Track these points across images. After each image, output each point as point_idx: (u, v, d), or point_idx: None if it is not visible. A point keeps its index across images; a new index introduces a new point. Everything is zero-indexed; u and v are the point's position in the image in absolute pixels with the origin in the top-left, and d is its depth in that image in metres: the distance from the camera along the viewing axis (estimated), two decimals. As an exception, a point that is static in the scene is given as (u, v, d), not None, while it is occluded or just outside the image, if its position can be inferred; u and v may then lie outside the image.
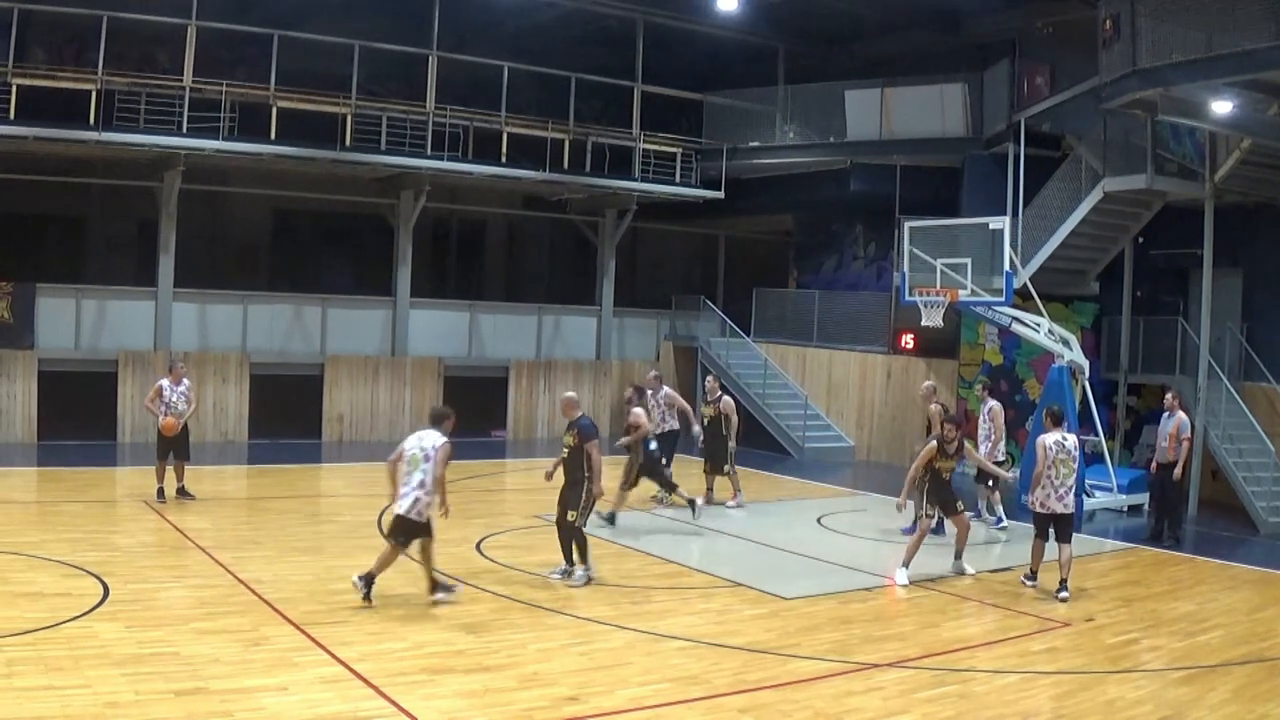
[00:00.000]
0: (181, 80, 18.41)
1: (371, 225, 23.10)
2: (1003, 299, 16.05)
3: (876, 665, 8.52)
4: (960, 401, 19.23)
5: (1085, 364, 16.16)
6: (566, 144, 22.06)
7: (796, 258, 26.00)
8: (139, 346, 19.63)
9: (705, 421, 15.66)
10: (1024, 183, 18.16)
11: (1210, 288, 16.44)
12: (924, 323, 16.79)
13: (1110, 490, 16.37)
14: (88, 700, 6.78)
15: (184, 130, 18.36)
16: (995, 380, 17.57)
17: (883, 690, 7.94)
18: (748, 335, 24.25)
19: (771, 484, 18.04)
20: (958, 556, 11.65)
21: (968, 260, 16.14)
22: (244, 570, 10.33)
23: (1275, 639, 9.74)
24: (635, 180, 22.89)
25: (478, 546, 11.90)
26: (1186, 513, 15.54)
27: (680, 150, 23.43)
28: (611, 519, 13.36)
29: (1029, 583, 11.14)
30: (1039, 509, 10.94)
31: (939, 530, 12.63)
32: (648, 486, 14.65)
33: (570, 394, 11.49)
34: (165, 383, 13.86)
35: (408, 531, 9.42)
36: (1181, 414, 14.41)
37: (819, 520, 14.82)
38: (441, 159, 20.64)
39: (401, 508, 9.38)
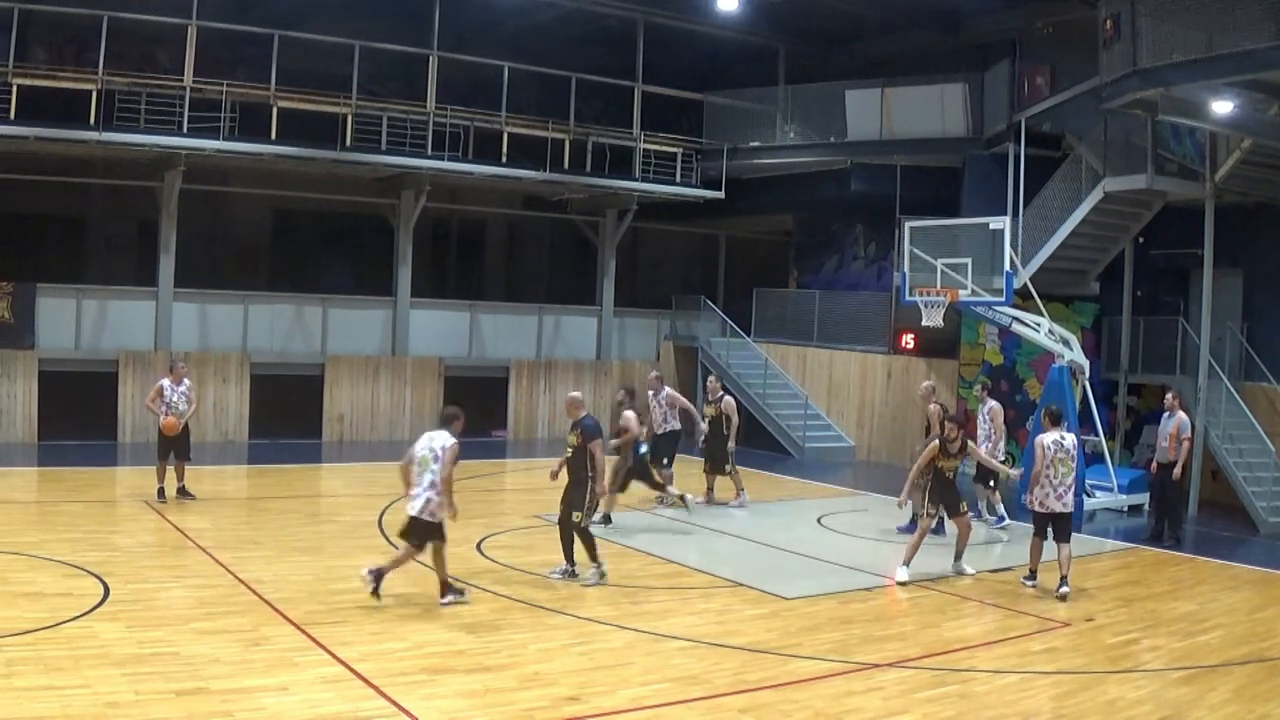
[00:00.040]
0: (182, 80, 18.42)
1: (372, 225, 23.11)
2: (1003, 299, 16.05)
3: (877, 665, 8.52)
4: (960, 402, 19.22)
5: (1085, 364, 16.16)
6: (567, 144, 22.07)
7: (797, 258, 26.01)
8: (139, 346, 19.64)
9: (706, 421, 15.68)
10: (1024, 183, 18.16)
11: (1210, 288, 16.44)
12: (924, 323, 16.80)
13: (1110, 490, 16.37)
14: (88, 700, 6.78)
15: (184, 130, 18.36)
16: (995, 380, 17.57)
17: (883, 690, 7.95)
18: (748, 335, 24.25)
19: (772, 484, 18.04)
20: (958, 558, 11.65)
21: (968, 260, 16.14)
22: (244, 570, 10.33)
23: (1275, 639, 9.75)
24: (635, 180, 22.89)
25: (478, 546, 11.90)
26: (1187, 513, 15.55)
27: (680, 150, 23.43)
28: (606, 519, 13.36)
29: (1029, 583, 11.15)
30: (1038, 508, 10.97)
31: (939, 530, 12.63)
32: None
33: (575, 394, 11.49)
34: (166, 382, 13.86)
35: (420, 533, 9.43)
36: (1182, 414, 14.41)
37: (819, 520, 14.82)
38: (442, 159, 20.64)
39: (413, 509, 9.41)
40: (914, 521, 13.51)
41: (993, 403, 14.78)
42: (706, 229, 27.79)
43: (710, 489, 15.57)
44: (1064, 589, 10.67)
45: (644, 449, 14.02)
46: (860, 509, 15.91)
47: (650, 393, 15.48)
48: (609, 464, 12.70)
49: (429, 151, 20.46)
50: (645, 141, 22.95)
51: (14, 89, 17.22)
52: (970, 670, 8.46)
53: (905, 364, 21.31)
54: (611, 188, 22.93)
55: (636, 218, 24.30)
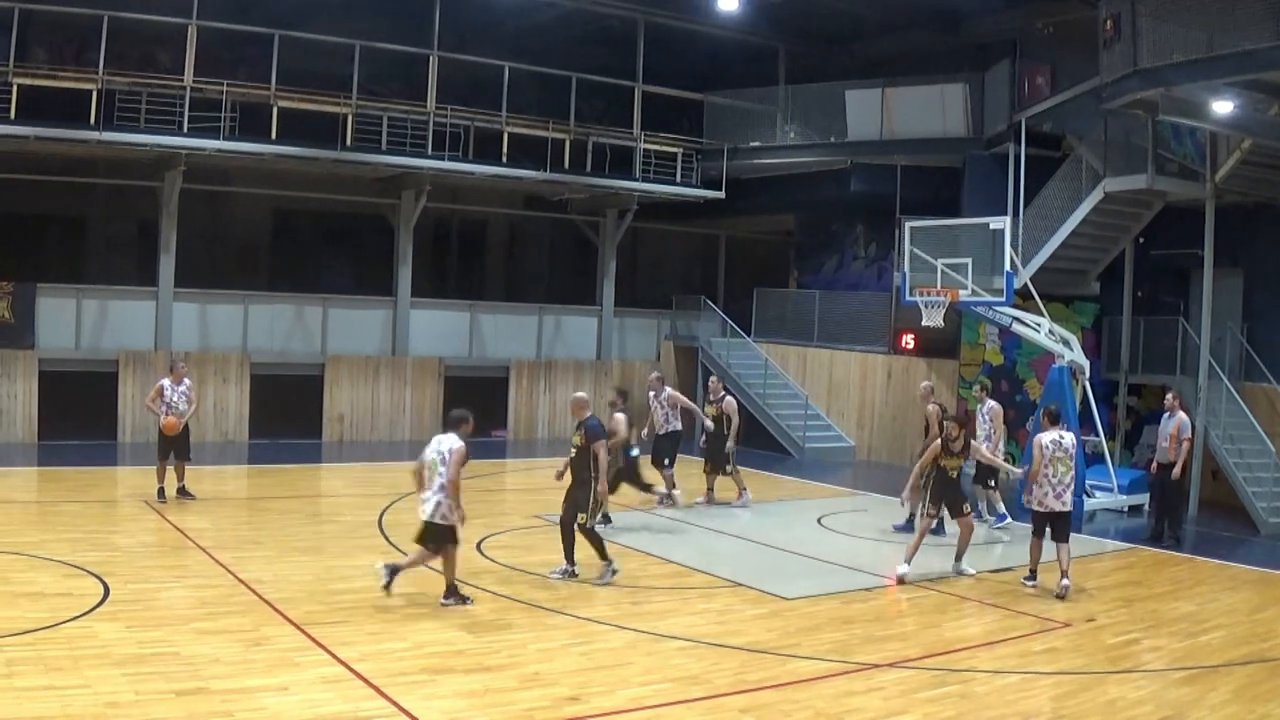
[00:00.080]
0: (182, 80, 18.42)
1: (372, 225, 23.11)
2: (1003, 299, 16.05)
3: (877, 665, 8.52)
4: (960, 402, 19.22)
5: (1086, 364, 16.16)
6: (567, 144, 22.07)
7: (797, 258, 26.01)
8: (140, 346, 19.64)
9: (704, 426, 15.69)
10: (1024, 183, 18.16)
11: (1211, 288, 16.43)
12: (924, 323, 16.80)
13: (1111, 490, 16.37)
14: (88, 700, 6.78)
15: (185, 130, 18.36)
16: (996, 380, 17.58)
17: (883, 690, 7.94)
18: (748, 335, 24.25)
19: (772, 484, 18.04)
20: (958, 558, 11.65)
21: (968, 260, 16.14)
22: (244, 570, 10.33)
23: (1276, 639, 9.74)
24: (636, 180, 22.89)
25: (478, 546, 11.89)
26: (1187, 513, 15.54)
27: (681, 150, 23.43)
28: (606, 518, 13.35)
29: (1029, 583, 11.15)
30: (1037, 507, 10.99)
31: (938, 530, 12.63)
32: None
33: (580, 394, 11.53)
34: (166, 382, 13.87)
35: (436, 537, 9.45)
36: (1182, 414, 14.41)
37: (819, 520, 14.82)
38: (442, 159, 20.64)
39: (425, 513, 9.43)
40: (910, 520, 13.53)
41: (992, 403, 14.79)
42: (707, 229, 27.79)
43: (710, 489, 15.56)
44: (1065, 582, 10.71)
45: (635, 451, 14.05)
46: (860, 509, 15.91)
47: (651, 394, 15.48)
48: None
49: (429, 151, 20.46)
50: (645, 141, 22.95)
51: (14, 89, 17.21)
52: (970, 670, 8.46)
53: (905, 364, 21.32)
54: (612, 188, 22.93)
55: (637, 218, 24.30)
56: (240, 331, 20.76)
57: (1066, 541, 10.90)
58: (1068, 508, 10.99)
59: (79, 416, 18.80)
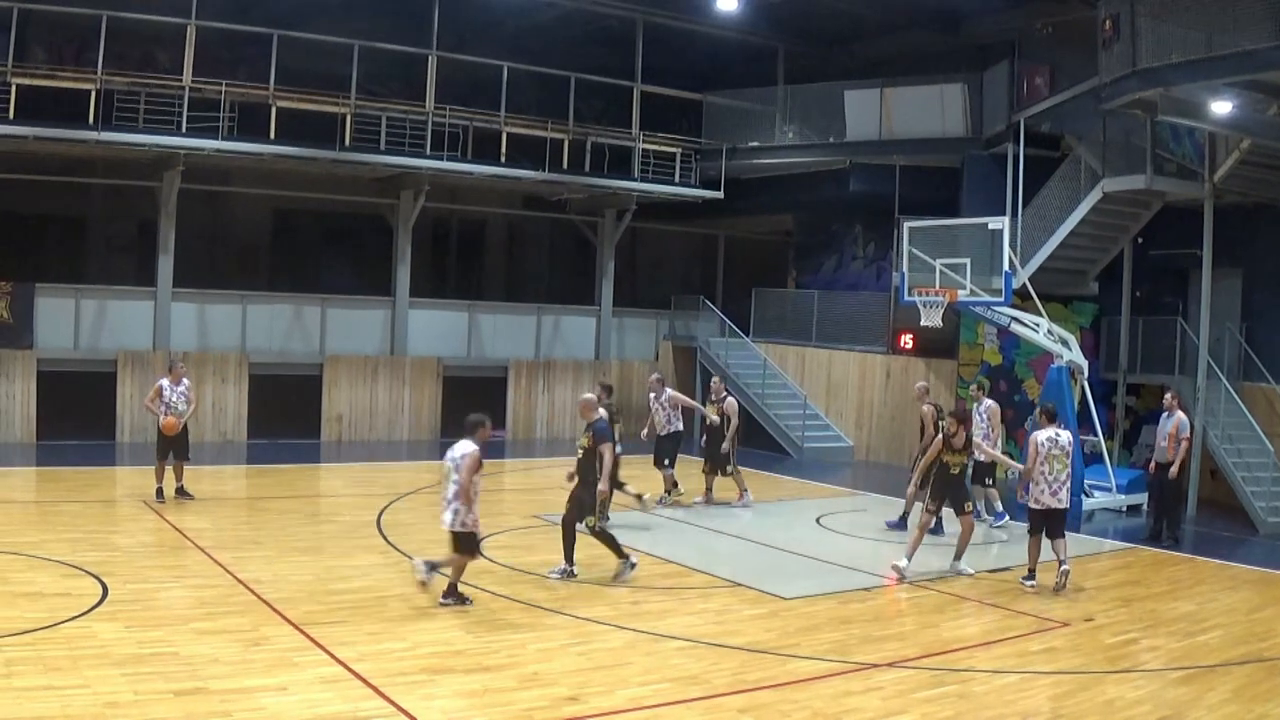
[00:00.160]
0: (181, 80, 18.41)
1: (371, 225, 23.10)
2: (1002, 299, 16.07)
3: (875, 665, 8.52)
4: (959, 402, 19.23)
5: (1084, 364, 16.18)
6: (566, 144, 22.07)
7: (796, 258, 26.01)
8: (138, 346, 19.64)
9: (707, 421, 15.69)
10: (1023, 183, 18.17)
11: (1210, 288, 16.44)
12: (923, 323, 16.82)
13: (1109, 490, 16.38)
14: (87, 700, 6.78)
15: (184, 130, 18.36)
16: (994, 380, 17.58)
17: (882, 690, 7.95)
18: (747, 335, 24.25)
19: (771, 484, 18.04)
20: (957, 558, 11.66)
21: (967, 260, 16.16)
22: (243, 570, 10.33)
23: (1274, 639, 9.75)
24: (635, 180, 22.89)
25: (477, 546, 11.89)
26: (1185, 513, 15.55)
27: (680, 150, 23.43)
28: (605, 518, 13.34)
29: (1028, 583, 11.15)
30: (1034, 504, 11.04)
31: (937, 530, 12.63)
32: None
33: (589, 395, 11.54)
34: (165, 382, 13.87)
35: (461, 545, 9.47)
36: (1180, 414, 14.41)
37: (818, 520, 14.82)
38: (441, 159, 20.64)
39: (445, 523, 9.47)
40: (903, 518, 13.52)
41: (989, 401, 14.78)
42: (706, 229, 27.79)
43: (709, 489, 15.57)
44: (1065, 567, 10.77)
45: (619, 450, 14.03)
46: (859, 509, 15.91)
47: (651, 395, 15.49)
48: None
49: (428, 151, 20.46)
50: (644, 141, 22.95)
51: (14, 89, 17.21)
52: (969, 670, 8.47)
53: (904, 364, 21.32)
54: (611, 188, 22.93)
55: (636, 218, 24.30)
56: (239, 331, 20.76)
57: (1063, 538, 10.97)
58: (1064, 504, 11.03)
59: (78, 416, 18.80)
